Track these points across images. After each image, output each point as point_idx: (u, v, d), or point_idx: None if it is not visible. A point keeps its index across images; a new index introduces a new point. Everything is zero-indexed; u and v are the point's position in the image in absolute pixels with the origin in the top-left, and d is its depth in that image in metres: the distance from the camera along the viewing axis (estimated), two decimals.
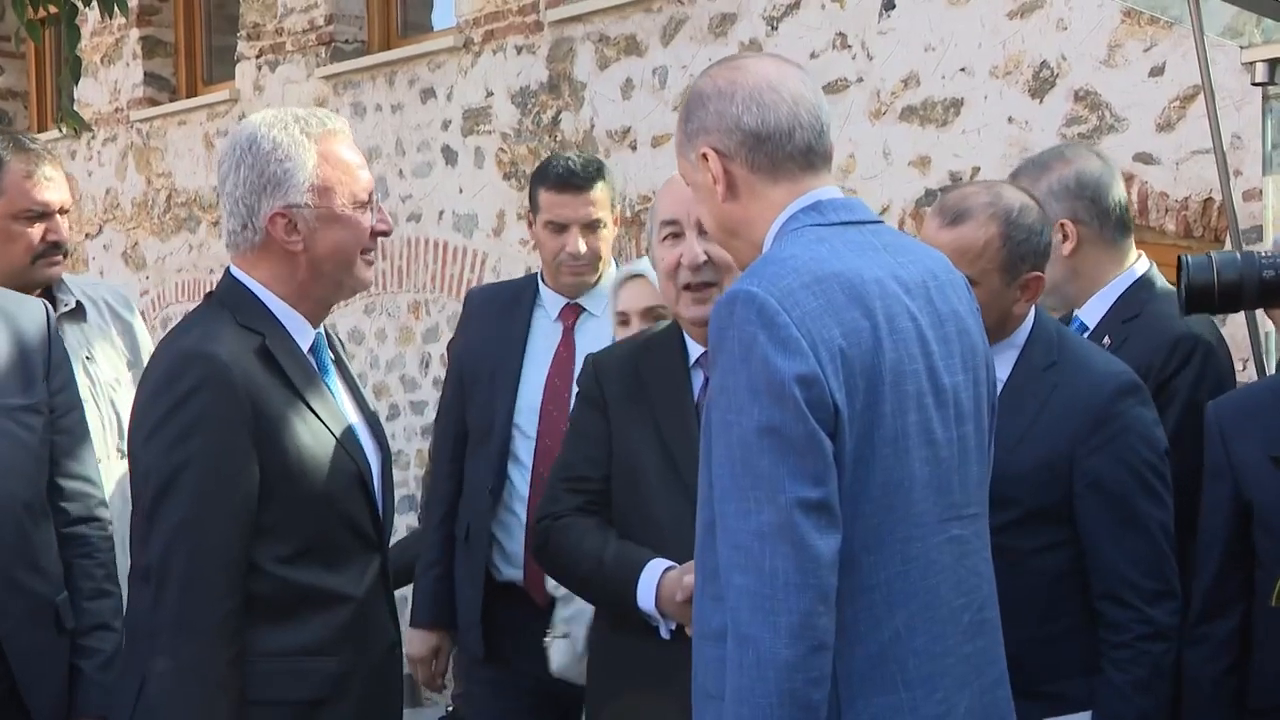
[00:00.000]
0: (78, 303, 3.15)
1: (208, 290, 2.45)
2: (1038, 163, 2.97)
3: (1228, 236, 4.06)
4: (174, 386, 2.22)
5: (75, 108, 5.27)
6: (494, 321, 3.48)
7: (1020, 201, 2.59)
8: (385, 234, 2.39)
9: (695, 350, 2.54)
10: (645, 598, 2.40)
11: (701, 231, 2.46)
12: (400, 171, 7.48)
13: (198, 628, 2.17)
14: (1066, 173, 2.89)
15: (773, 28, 6.02)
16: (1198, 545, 2.65)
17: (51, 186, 3.05)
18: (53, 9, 5.02)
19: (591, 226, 3.39)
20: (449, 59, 7.24)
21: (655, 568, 2.41)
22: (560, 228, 3.39)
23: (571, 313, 3.43)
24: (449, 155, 7.26)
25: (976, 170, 5.46)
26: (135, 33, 8.73)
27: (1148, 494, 2.54)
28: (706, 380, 2.49)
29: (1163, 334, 2.77)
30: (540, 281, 3.50)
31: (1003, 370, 2.52)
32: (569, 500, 2.54)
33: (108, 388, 3.11)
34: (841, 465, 1.87)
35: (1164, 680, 2.53)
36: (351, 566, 2.31)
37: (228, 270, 2.39)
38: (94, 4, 4.75)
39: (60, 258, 3.11)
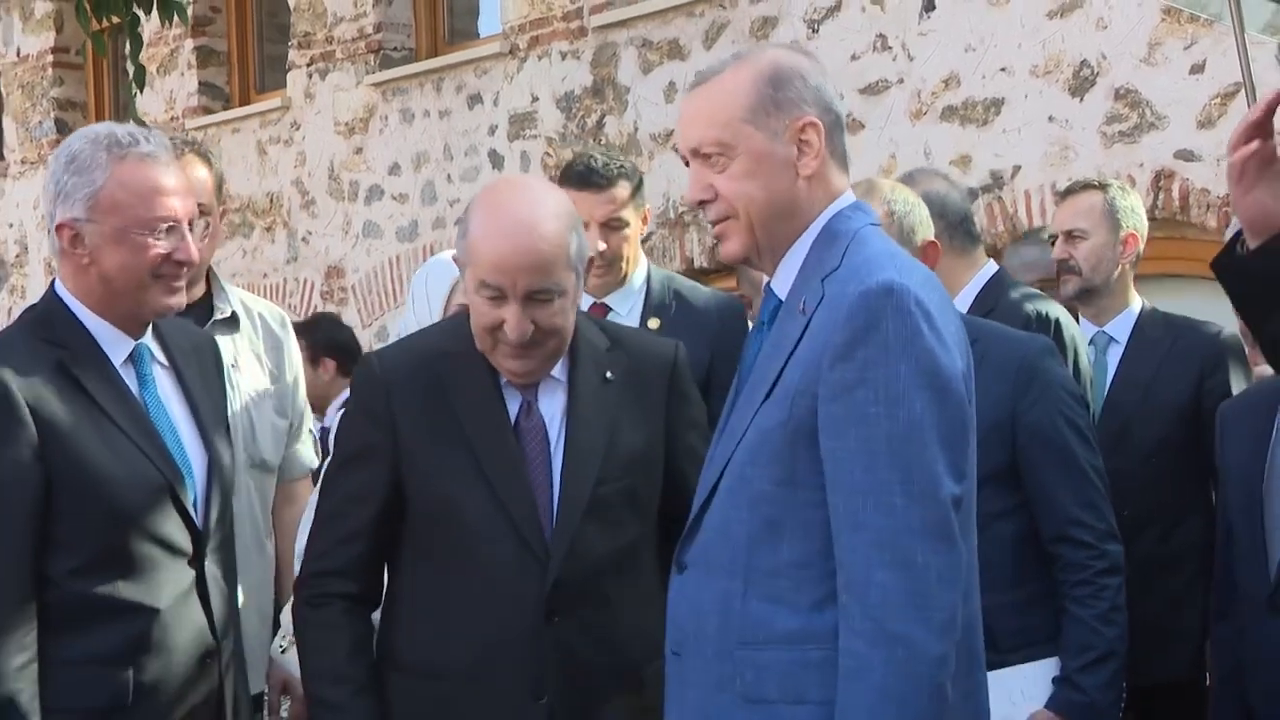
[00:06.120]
0: (233, 312, 3.16)
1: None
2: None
3: None
4: None
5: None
6: None
7: (890, 183, 2.87)
8: (187, 264, 2.36)
9: None
10: None
11: (529, 301, 2.20)
12: (448, 176, 7.59)
13: None
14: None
15: (813, 30, 6.08)
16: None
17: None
18: (115, 19, 5.14)
19: (612, 225, 3.31)
20: (495, 65, 7.34)
21: None
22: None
23: (599, 312, 3.38)
24: (495, 159, 7.36)
25: (1017, 169, 5.50)
26: (190, 43, 8.90)
27: (1083, 441, 2.78)
28: (524, 404, 2.31)
29: (1017, 318, 3.13)
30: None
31: None
32: (335, 584, 2.31)
33: (247, 396, 3.12)
34: None
35: (1122, 613, 2.72)
36: (154, 577, 2.31)
37: (51, 283, 2.43)
38: (154, 12, 4.87)
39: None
